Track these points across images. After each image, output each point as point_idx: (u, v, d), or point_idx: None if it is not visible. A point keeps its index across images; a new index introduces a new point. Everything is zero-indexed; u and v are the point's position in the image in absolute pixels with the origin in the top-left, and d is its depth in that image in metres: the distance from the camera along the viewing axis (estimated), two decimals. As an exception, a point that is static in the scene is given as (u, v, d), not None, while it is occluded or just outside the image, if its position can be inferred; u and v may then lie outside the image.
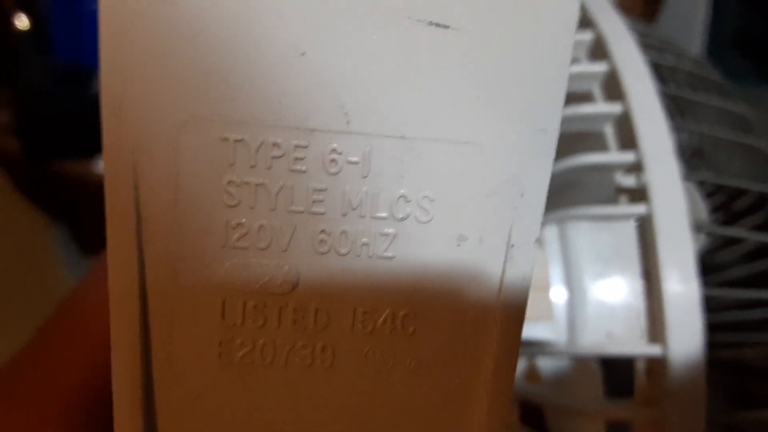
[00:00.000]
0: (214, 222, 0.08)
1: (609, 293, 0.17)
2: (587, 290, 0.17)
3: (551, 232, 0.18)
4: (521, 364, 0.27)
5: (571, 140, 0.19)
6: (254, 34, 0.07)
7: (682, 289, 0.16)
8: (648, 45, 0.23)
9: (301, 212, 0.08)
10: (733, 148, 0.26)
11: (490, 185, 0.08)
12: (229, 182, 0.08)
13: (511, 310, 0.09)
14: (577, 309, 0.17)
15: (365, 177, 0.08)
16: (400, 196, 0.08)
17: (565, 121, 0.19)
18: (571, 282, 0.18)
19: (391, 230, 0.08)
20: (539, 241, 0.18)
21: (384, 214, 0.08)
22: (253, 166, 0.08)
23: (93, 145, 0.55)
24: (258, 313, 0.08)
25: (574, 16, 0.08)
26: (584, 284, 0.18)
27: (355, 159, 0.08)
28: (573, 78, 0.20)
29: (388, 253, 0.08)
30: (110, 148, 0.08)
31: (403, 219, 0.08)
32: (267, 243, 0.08)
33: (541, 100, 0.08)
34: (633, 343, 0.17)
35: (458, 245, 0.08)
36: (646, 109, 0.18)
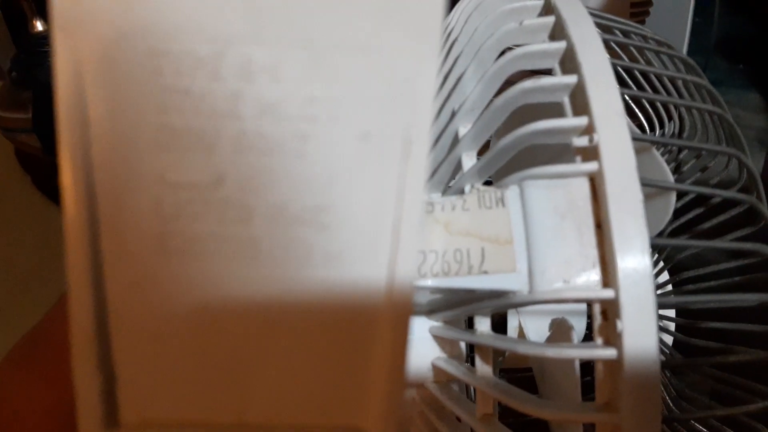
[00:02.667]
0: (147, 124, 0.09)
1: (565, 244, 0.18)
2: (546, 242, 0.18)
3: (513, 192, 0.19)
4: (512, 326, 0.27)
5: (536, 112, 0.20)
6: None
7: (631, 236, 0.16)
8: (615, 28, 0.24)
9: (223, 115, 0.09)
10: (705, 126, 0.26)
11: (387, 87, 0.09)
12: (159, 88, 0.09)
13: (411, 196, 0.09)
14: (537, 260, 0.18)
15: (277, 81, 0.09)
16: (309, 98, 0.09)
17: (529, 93, 0.20)
18: (531, 236, 0.18)
19: (302, 129, 0.09)
20: (502, 201, 0.19)
21: (295, 114, 0.09)
22: (178, 74, 0.09)
23: None
24: (189, 206, 0.09)
25: None
26: (543, 237, 0.18)
27: (267, 65, 0.09)
28: (536, 56, 0.20)
29: (301, 150, 0.09)
30: (61, 61, 0.08)
31: (312, 119, 0.09)
32: (194, 143, 0.09)
33: (424, 13, 0.08)
34: (588, 288, 0.17)
35: (363, 140, 0.09)
36: (597, 78, 0.18)
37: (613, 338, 0.17)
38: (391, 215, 0.09)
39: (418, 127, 0.09)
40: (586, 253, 0.17)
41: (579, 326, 0.27)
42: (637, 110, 0.28)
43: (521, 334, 0.27)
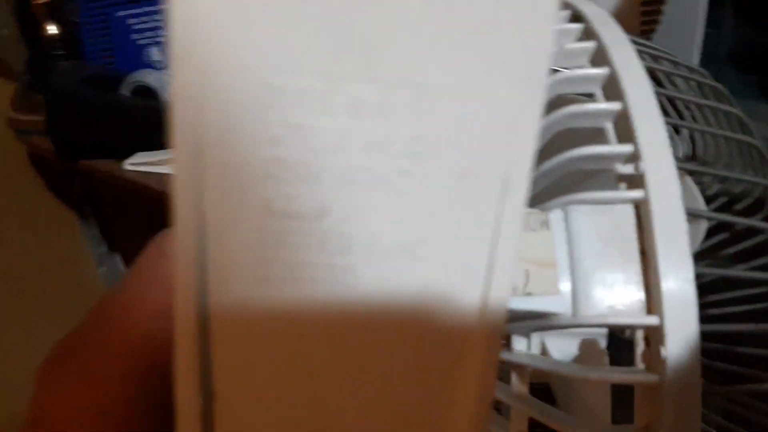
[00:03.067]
0: (258, 155, 0.09)
1: (609, 270, 0.18)
2: (589, 267, 0.18)
3: (557, 215, 0.19)
4: (534, 343, 0.27)
5: (574, 140, 0.20)
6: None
7: (676, 264, 0.17)
8: (645, 53, 0.24)
9: (330, 149, 0.09)
10: (732, 153, 0.26)
11: (488, 128, 0.09)
12: (271, 121, 0.09)
13: (507, 235, 0.09)
14: (580, 284, 0.18)
15: (383, 119, 0.09)
16: (413, 137, 0.09)
17: (573, 117, 0.20)
18: (575, 260, 0.18)
19: (405, 165, 0.09)
20: (546, 224, 0.19)
21: (399, 151, 0.09)
22: (290, 108, 0.09)
23: (121, 147, 0.56)
24: (292, 235, 0.09)
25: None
26: (586, 262, 0.18)
27: (375, 103, 0.09)
28: (579, 81, 0.21)
29: (402, 186, 0.09)
30: (179, 91, 0.09)
31: (414, 156, 0.09)
32: (301, 175, 0.09)
33: (530, 57, 0.09)
34: (631, 315, 0.17)
35: (463, 178, 0.09)
36: (642, 106, 0.19)
37: (655, 364, 0.17)
38: (486, 252, 0.09)
39: (517, 168, 0.09)
40: (630, 279, 0.18)
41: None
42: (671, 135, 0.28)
43: (543, 352, 0.28)
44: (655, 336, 0.17)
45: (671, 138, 0.27)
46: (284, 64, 0.09)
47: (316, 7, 0.08)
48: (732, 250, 0.26)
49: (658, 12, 0.55)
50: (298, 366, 0.10)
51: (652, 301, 0.17)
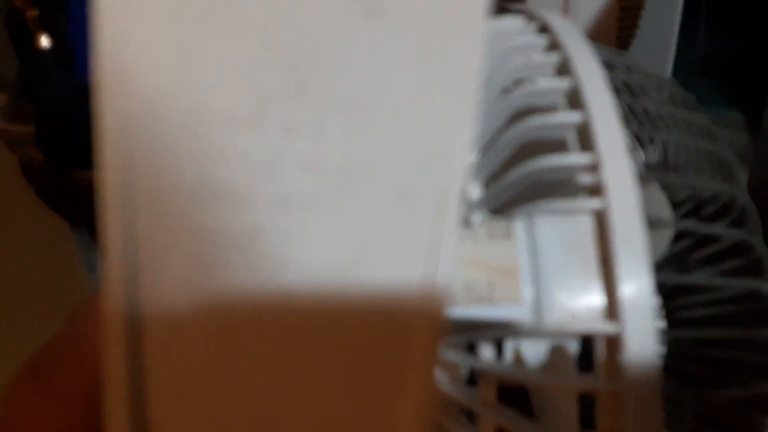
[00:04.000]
0: (188, 177, 0.09)
1: (571, 278, 0.18)
2: (552, 275, 0.18)
3: (520, 225, 0.19)
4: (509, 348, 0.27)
5: (538, 149, 0.20)
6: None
7: (635, 272, 0.17)
8: (617, 65, 0.24)
9: (263, 169, 0.09)
10: (701, 162, 0.26)
11: (422, 148, 0.09)
12: (200, 143, 0.09)
13: (444, 252, 0.09)
14: (542, 292, 0.18)
15: (316, 138, 0.09)
16: (348, 156, 0.09)
17: (534, 130, 0.20)
18: (538, 268, 0.18)
19: (339, 184, 0.09)
20: (509, 233, 0.19)
21: (333, 170, 0.09)
22: (219, 129, 0.09)
23: None
24: (225, 257, 0.09)
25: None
26: (549, 270, 0.18)
27: (308, 123, 0.09)
28: (542, 93, 0.21)
29: (338, 206, 0.09)
30: (111, 111, 0.08)
31: (349, 175, 0.09)
32: (233, 196, 0.09)
33: (459, 81, 0.09)
34: (592, 322, 0.17)
35: (397, 198, 0.09)
36: (604, 116, 0.19)
37: (615, 371, 0.17)
38: (423, 270, 0.09)
39: (451, 187, 0.09)
40: (591, 288, 0.18)
41: (572, 347, 0.27)
42: (635, 142, 0.28)
43: (517, 357, 0.28)
44: (614, 343, 0.17)
45: (643, 147, 0.27)
46: (213, 85, 0.09)
47: (246, 29, 0.08)
48: (699, 254, 0.26)
49: (635, 23, 0.56)
50: (236, 398, 0.09)
51: (612, 308, 0.17)
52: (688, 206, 0.27)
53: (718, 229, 0.20)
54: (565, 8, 0.51)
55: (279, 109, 0.09)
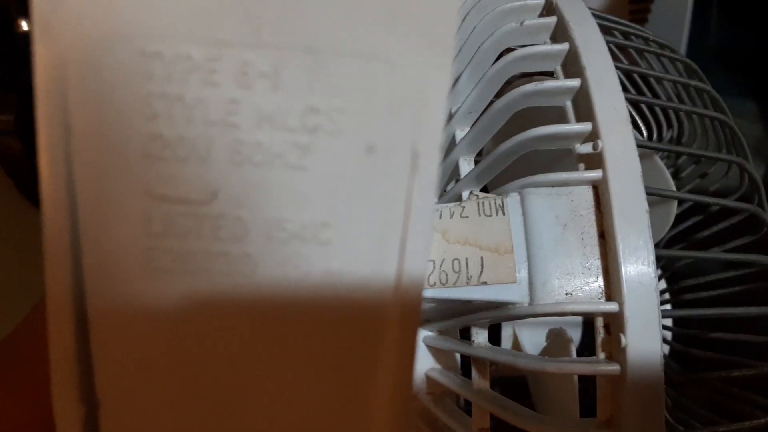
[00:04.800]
0: (135, 133, 0.08)
1: (567, 255, 0.17)
2: (547, 253, 0.17)
3: (513, 199, 0.18)
4: (506, 334, 0.26)
5: (535, 115, 0.19)
6: None
7: (635, 247, 0.16)
8: (615, 30, 0.23)
9: (217, 124, 0.08)
10: (705, 130, 0.26)
11: (395, 98, 0.08)
12: (148, 94, 0.08)
13: (419, 213, 0.09)
14: (538, 271, 0.17)
15: (276, 89, 0.08)
16: (311, 108, 0.08)
17: (531, 96, 0.19)
18: (532, 245, 0.18)
19: (303, 140, 0.08)
20: (502, 209, 0.18)
21: (296, 125, 0.08)
22: (169, 79, 0.08)
23: None
24: (179, 222, 0.08)
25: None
26: (544, 247, 0.17)
27: (266, 71, 0.08)
28: (538, 58, 0.20)
29: (302, 163, 0.08)
30: (41, 66, 0.08)
31: (314, 130, 0.08)
32: (186, 154, 0.08)
33: (436, 18, 0.08)
34: (591, 301, 0.17)
35: (368, 154, 0.08)
36: (602, 83, 0.18)
37: (616, 353, 0.16)
38: (399, 232, 0.09)
39: (427, 140, 0.08)
40: (588, 264, 0.17)
41: (575, 336, 0.27)
42: (635, 113, 0.28)
43: (515, 344, 0.27)
44: (614, 323, 0.16)
45: (644, 117, 0.26)
46: (161, 30, 0.08)
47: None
48: (707, 232, 0.25)
49: (646, 11, 0.55)
50: (190, 368, 0.09)
51: (612, 286, 0.16)
52: (694, 183, 0.27)
53: (731, 203, 0.19)
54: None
55: (233, 55, 0.08)
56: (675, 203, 0.23)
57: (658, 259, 0.27)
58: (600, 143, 0.17)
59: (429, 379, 0.22)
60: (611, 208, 0.16)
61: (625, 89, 0.19)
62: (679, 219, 0.27)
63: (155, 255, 0.09)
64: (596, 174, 0.17)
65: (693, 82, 0.22)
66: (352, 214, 0.09)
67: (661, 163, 0.22)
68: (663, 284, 0.29)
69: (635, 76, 0.24)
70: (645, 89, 0.24)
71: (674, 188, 0.23)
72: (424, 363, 0.22)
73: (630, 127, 0.17)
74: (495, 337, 0.28)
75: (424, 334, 0.22)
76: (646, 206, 0.16)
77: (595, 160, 0.17)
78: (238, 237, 0.09)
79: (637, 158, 0.17)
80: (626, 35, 0.24)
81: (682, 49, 0.54)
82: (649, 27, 0.55)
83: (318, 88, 0.08)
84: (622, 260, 0.16)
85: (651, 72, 0.21)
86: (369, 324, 0.09)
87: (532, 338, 0.27)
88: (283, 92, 0.08)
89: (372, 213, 0.09)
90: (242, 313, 0.09)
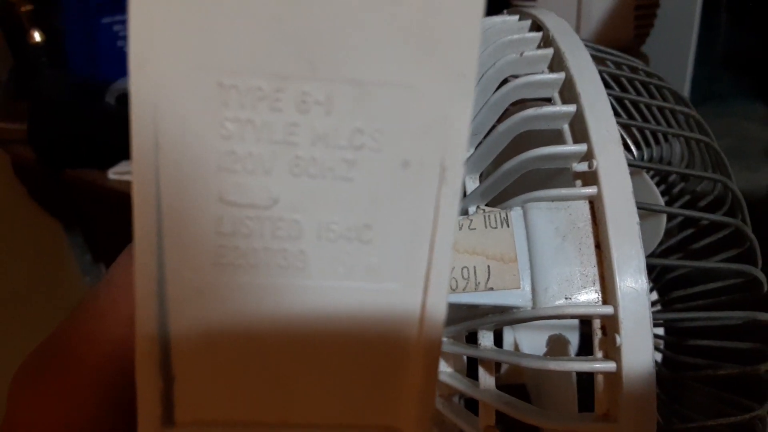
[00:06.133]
0: (212, 150, 0.10)
1: (566, 263, 0.19)
2: (548, 261, 0.19)
3: (517, 213, 0.20)
4: (508, 340, 0.28)
5: (532, 138, 0.21)
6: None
7: (627, 255, 0.18)
8: (607, 60, 0.25)
9: (280, 143, 0.10)
10: (692, 152, 0.28)
11: (425, 120, 0.10)
12: (224, 118, 0.10)
13: (445, 218, 0.10)
14: (539, 278, 0.19)
15: (329, 114, 0.10)
16: (357, 129, 0.10)
17: (531, 120, 0.21)
18: (534, 255, 0.19)
19: (350, 156, 0.10)
20: (506, 222, 0.20)
21: (344, 143, 0.10)
22: (242, 106, 0.10)
23: (105, 156, 0.56)
24: (245, 224, 0.10)
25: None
26: (545, 256, 0.19)
27: (320, 99, 0.10)
28: (537, 86, 0.22)
29: (349, 175, 0.10)
30: (136, 93, 0.09)
31: (359, 148, 0.10)
32: (253, 167, 0.10)
33: (460, 52, 0.10)
34: (588, 305, 0.18)
35: (403, 168, 0.10)
36: (595, 107, 0.20)
37: (612, 352, 0.18)
38: (428, 234, 0.10)
39: (452, 157, 0.10)
40: (586, 272, 0.19)
41: (572, 340, 0.28)
42: (626, 136, 0.29)
43: (516, 349, 0.28)
44: (610, 325, 0.18)
45: (633, 140, 0.28)
46: (236, 66, 0.10)
47: (264, 13, 0.09)
48: (698, 245, 0.27)
49: (652, 15, 0.57)
50: (251, 349, 0.10)
51: (607, 291, 0.18)
52: (684, 199, 0.28)
53: (714, 216, 0.21)
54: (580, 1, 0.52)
55: (294, 87, 0.10)
56: (664, 217, 0.24)
57: (651, 269, 0.29)
58: (594, 162, 0.19)
59: (439, 382, 0.24)
60: (606, 220, 0.18)
61: (617, 114, 0.21)
62: (671, 233, 0.28)
63: (224, 251, 0.10)
64: (592, 190, 0.19)
65: (679, 108, 0.24)
66: (389, 217, 0.10)
67: (649, 180, 0.23)
68: (654, 295, 0.30)
69: (627, 102, 0.26)
70: (636, 114, 0.26)
71: (662, 203, 0.24)
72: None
73: (621, 147, 0.19)
74: (497, 344, 0.30)
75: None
76: (637, 219, 0.18)
77: (590, 178, 0.19)
78: (294, 237, 0.10)
79: (628, 176, 0.19)
80: (618, 65, 0.26)
81: (691, 53, 0.55)
82: (657, 31, 0.56)
83: (362, 112, 0.10)
84: (616, 268, 0.18)
85: (641, 99, 0.23)
86: (401, 313, 0.11)
87: (532, 344, 0.28)
88: (334, 116, 0.10)
89: (406, 216, 0.10)
90: (296, 303, 0.10)
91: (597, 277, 0.18)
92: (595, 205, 0.19)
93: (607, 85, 0.22)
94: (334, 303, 0.10)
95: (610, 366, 0.18)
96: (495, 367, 0.29)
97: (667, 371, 0.28)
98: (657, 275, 0.30)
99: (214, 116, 0.10)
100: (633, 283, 0.18)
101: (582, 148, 0.19)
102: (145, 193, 0.10)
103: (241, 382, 0.11)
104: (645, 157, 0.29)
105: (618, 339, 0.17)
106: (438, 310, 0.10)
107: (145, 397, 0.10)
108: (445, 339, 0.23)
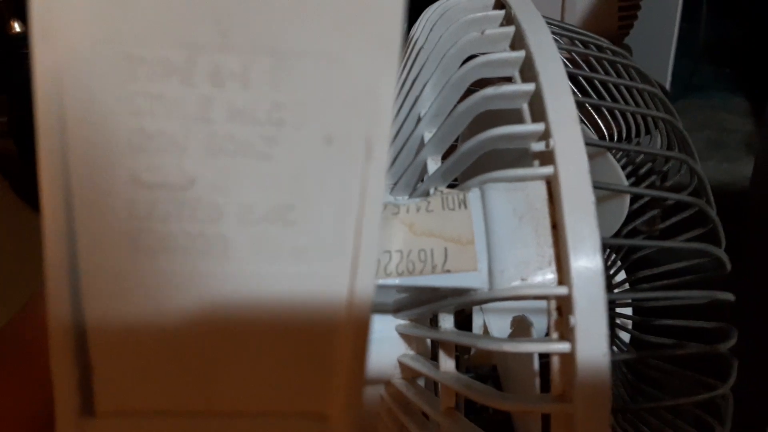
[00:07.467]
0: (121, 127, 0.09)
1: (523, 244, 0.18)
2: (505, 243, 0.18)
3: (475, 194, 0.19)
4: (477, 325, 0.27)
5: (499, 117, 0.21)
6: None
7: (583, 235, 0.17)
8: (574, 38, 0.25)
9: (194, 119, 0.09)
10: (658, 132, 0.27)
11: (349, 94, 0.09)
12: (133, 92, 0.09)
13: (372, 196, 0.10)
14: (496, 259, 0.18)
15: (246, 87, 0.09)
16: (276, 103, 0.09)
17: (490, 100, 0.20)
18: (492, 236, 0.19)
19: (270, 132, 0.09)
20: (464, 203, 0.19)
21: (263, 118, 0.09)
22: (151, 79, 0.09)
23: None
24: (161, 206, 0.09)
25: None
26: (502, 238, 0.19)
27: (236, 71, 0.09)
28: (497, 65, 0.21)
29: (269, 152, 0.09)
30: (40, 67, 0.09)
31: (279, 123, 0.09)
32: (166, 145, 0.09)
33: (384, 24, 0.09)
34: (543, 286, 0.18)
35: (327, 144, 0.09)
36: (554, 86, 0.19)
37: (566, 333, 0.17)
38: (355, 212, 0.10)
39: (378, 131, 0.09)
40: (542, 253, 0.18)
41: (540, 324, 0.28)
42: (596, 116, 0.29)
43: (486, 332, 0.28)
44: (565, 305, 0.17)
45: (601, 119, 0.28)
46: (144, 36, 0.09)
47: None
48: (663, 225, 0.27)
49: (636, 7, 0.56)
50: (173, 336, 0.10)
51: (562, 272, 0.18)
52: (651, 179, 0.28)
53: (675, 195, 0.20)
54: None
55: (207, 58, 0.09)
56: (627, 197, 0.24)
57: (614, 249, 0.28)
58: (552, 142, 0.18)
59: (402, 365, 0.23)
60: (561, 201, 0.18)
61: (585, 93, 0.20)
62: (638, 214, 0.28)
63: (140, 235, 0.09)
64: (548, 170, 0.18)
65: (644, 86, 0.24)
66: (314, 196, 0.10)
67: (613, 160, 0.23)
68: (623, 275, 0.30)
69: (596, 81, 0.25)
70: (605, 94, 0.26)
71: (626, 183, 0.24)
72: (398, 350, 0.23)
73: (579, 126, 0.18)
74: (467, 328, 0.29)
75: (397, 322, 0.23)
76: (593, 198, 0.18)
77: (547, 157, 0.18)
78: (213, 219, 0.10)
79: (585, 155, 0.18)
80: (584, 44, 0.26)
81: (672, 45, 0.54)
82: (639, 23, 0.55)
83: (281, 85, 0.09)
84: (570, 248, 0.17)
85: (602, 77, 0.22)
86: (328, 297, 0.10)
87: (501, 327, 0.28)
88: (252, 90, 0.09)
89: (331, 195, 0.10)
90: (218, 289, 0.10)
91: (553, 258, 0.18)
92: (552, 185, 0.18)
93: (575, 65, 0.21)
94: (258, 288, 0.10)
95: (564, 347, 0.17)
96: (466, 349, 0.29)
97: (634, 351, 0.28)
98: (624, 255, 0.30)
99: (122, 90, 0.09)
100: (588, 263, 0.17)
101: (539, 127, 0.19)
102: (53, 175, 0.09)
103: (163, 371, 0.10)
104: (617, 138, 0.29)
105: (572, 319, 0.17)
106: (366, 292, 0.10)
107: (61, 387, 0.10)
108: (407, 322, 0.23)
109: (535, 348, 0.18)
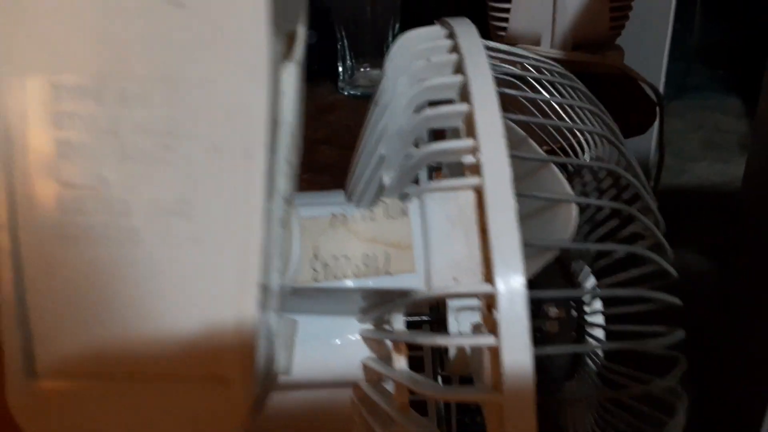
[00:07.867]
0: (49, 140, 0.11)
1: (456, 248, 0.20)
2: (440, 246, 0.20)
3: (414, 204, 0.21)
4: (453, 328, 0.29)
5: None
6: None
7: (507, 238, 0.19)
8: (514, 62, 0.26)
9: (106, 131, 0.11)
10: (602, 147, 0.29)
11: (227, 109, 0.11)
12: (57, 112, 0.11)
13: (253, 197, 0.12)
14: (433, 262, 0.20)
15: (145, 105, 0.11)
16: (171, 118, 0.11)
17: (431, 120, 0.22)
18: (428, 241, 0.20)
19: (168, 141, 0.12)
20: (404, 212, 0.21)
21: (162, 130, 0.12)
22: (71, 100, 0.11)
23: None
24: (83, 202, 0.12)
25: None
26: (438, 242, 0.20)
27: (138, 93, 0.11)
28: (439, 89, 0.23)
29: (167, 158, 0.12)
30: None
31: (174, 134, 0.12)
32: (85, 153, 0.11)
33: (251, 49, 0.11)
34: (470, 285, 0.19)
35: (212, 152, 0.12)
36: (484, 106, 0.21)
37: (493, 328, 0.19)
38: (240, 206, 0.12)
39: (254, 142, 0.12)
40: (472, 255, 0.20)
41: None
42: (561, 140, 0.31)
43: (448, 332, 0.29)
44: (491, 303, 0.19)
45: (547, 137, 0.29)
46: (63, 66, 0.11)
47: (84, 26, 0.11)
48: (626, 232, 0.28)
49: (628, 8, 0.57)
50: (98, 310, 0.12)
51: (489, 272, 0.19)
52: (611, 193, 0.29)
53: (601, 202, 0.22)
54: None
55: (116, 83, 0.11)
56: (573, 205, 0.25)
57: (583, 255, 0.30)
58: (479, 155, 0.20)
59: (365, 368, 0.25)
60: (487, 207, 0.19)
61: (529, 113, 0.22)
62: (603, 223, 0.29)
63: (67, 228, 0.12)
64: (476, 180, 0.20)
65: (585, 105, 0.25)
66: (207, 196, 0.12)
67: (556, 171, 0.25)
68: (593, 280, 0.31)
69: (540, 102, 0.27)
70: (550, 114, 0.27)
71: (571, 192, 0.25)
72: (362, 353, 0.25)
73: (503, 141, 0.20)
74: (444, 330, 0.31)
75: (360, 326, 0.25)
76: (514, 205, 0.19)
77: (476, 169, 0.20)
78: (125, 213, 0.12)
79: (508, 166, 0.20)
80: (537, 69, 0.28)
81: (666, 47, 0.55)
82: (632, 25, 0.56)
83: (174, 104, 0.11)
84: (495, 250, 0.19)
85: (543, 97, 0.24)
86: (223, 278, 0.12)
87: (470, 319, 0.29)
88: (151, 107, 0.11)
89: (221, 195, 0.12)
90: (132, 271, 0.12)
91: (481, 260, 0.20)
92: (480, 194, 0.20)
93: (515, 86, 0.23)
94: (165, 269, 0.12)
95: (490, 340, 0.19)
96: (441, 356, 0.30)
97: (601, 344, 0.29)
98: (592, 261, 0.31)
99: (49, 110, 0.11)
100: (510, 263, 0.19)
101: (469, 143, 0.20)
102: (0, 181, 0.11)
103: (91, 340, 0.12)
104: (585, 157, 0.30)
105: (497, 315, 0.19)
106: (252, 271, 0.12)
107: (10, 352, 0.12)
108: (368, 326, 0.25)
109: (466, 342, 0.19)
